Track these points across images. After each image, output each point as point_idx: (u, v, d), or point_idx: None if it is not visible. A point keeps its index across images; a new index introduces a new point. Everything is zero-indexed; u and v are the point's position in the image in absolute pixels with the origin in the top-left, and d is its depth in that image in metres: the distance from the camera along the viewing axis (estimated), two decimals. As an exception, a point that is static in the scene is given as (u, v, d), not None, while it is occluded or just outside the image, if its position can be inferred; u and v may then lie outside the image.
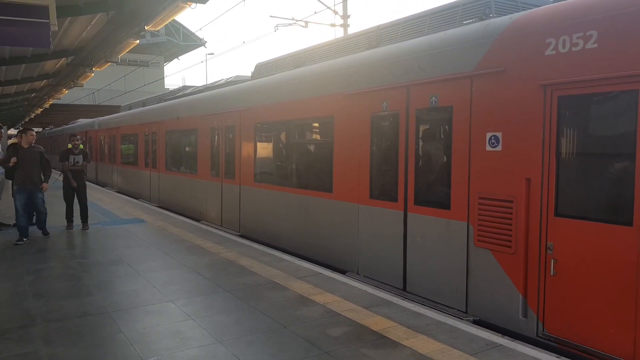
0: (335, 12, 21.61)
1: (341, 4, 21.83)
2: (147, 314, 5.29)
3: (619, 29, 4.07)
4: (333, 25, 22.02)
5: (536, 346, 4.58)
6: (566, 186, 4.51)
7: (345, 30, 21.49)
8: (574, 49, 4.40)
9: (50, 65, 15.67)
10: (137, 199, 16.67)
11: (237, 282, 6.49)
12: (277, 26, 21.98)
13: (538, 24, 4.71)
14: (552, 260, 4.58)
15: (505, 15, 5.47)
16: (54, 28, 7.30)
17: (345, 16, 21.79)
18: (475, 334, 4.70)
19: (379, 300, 5.70)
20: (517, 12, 5.64)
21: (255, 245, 8.75)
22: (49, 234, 9.68)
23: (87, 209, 10.63)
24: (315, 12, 21.34)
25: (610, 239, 4.15)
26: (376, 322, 5.01)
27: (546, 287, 4.66)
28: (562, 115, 4.53)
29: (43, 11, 7.16)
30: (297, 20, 21.79)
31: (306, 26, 22.21)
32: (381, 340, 4.56)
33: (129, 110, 20.69)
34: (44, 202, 9.52)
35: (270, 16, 22.38)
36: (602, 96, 4.24)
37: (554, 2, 5.23)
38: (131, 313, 5.33)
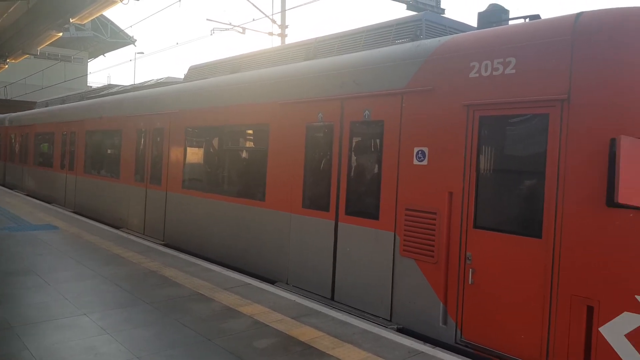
0: (274, 21, 21.87)
1: (279, 13, 22.16)
2: (57, 329, 5.01)
3: (534, 58, 4.56)
4: (271, 34, 22.25)
5: (455, 353, 4.92)
6: (484, 200, 4.94)
7: (283, 40, 21.80)
8: (494, 73, 4.86)
9: (-44, 53, 14.60)
10: (50, 203, 15.77)
11: (160, 293, 6.32)
12: (213, 30, 21.78)
13: (464, 47, 5.15)
14: (471, 270, 4.97)
15: (435, 37, 5.91)
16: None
17: (283, 26, 22.12)
18: (398, 342, 4.94)
19: (307, 310, 5.81)
20: (445, 35, 6.11)
21: (181, 255, 8.59)
22: None
23: None
24: (254, 20, 21.46)
25: (522, 250, 4.59)
26: (304, 333, 5.08)
27: (465, 296, 5.04)
28: (482, 134, 4.96)
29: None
30: (235, 26, 21.77)
31: (243, 32, 22.24)
32: (308, 351, 4.64)
33: (46, 107, 19.60)
34: None
35: (207, 19, 22.12)
36: (518, 118, 4.71)
37: (478, 28, 5.75)
38: (39, 328, 5.03)
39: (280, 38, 22.04)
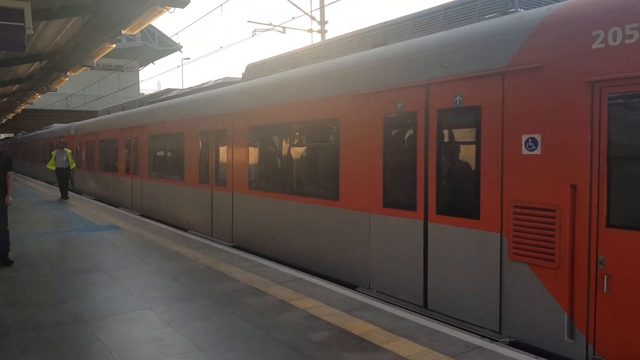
0: (313, 18, 20.86)
1: (318, 10, 21.15)
2: (124, 322, 4.96)
3: None
4: (310, 31, 21.28)
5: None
6: (619, 194, 3.89)
7: (323, 36, 20.77)
8: (627, 41, 3.78)
9: (23, 69, 14.48)
10: (117, 207, 15.50)
11: (217, 288, 6.08)
12: (254, 31, 21.07)
13: (583, 14, 4.08)
14: (605, 276, 3.95)
15: (529, 9, 4.84)
16: (29, 32, 6.79)
17: (322, 22, 21.08)
18: (455, 337, 4.45)
19: (359, 304, 5.41)
20: (540, 6, 5.03)
21: (234, 251, 8.23)
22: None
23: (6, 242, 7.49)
24: (293, 18, 20.48)
25: None
26: (357, 326, 4.77)
27: (597, 306, 4.02)
28: (613, 114, 3.90)
29: (18, 14, 6.70)
30: (275, 26, 20.97)
31: (284, 32, 21.43)
32: (362, 344, 4.34)
33: (108, 114, 19.41)
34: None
35: (248, 21, 21.48)
36: None
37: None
38: (108, 321, 5.00)
39: (320, 34, 21.04)
